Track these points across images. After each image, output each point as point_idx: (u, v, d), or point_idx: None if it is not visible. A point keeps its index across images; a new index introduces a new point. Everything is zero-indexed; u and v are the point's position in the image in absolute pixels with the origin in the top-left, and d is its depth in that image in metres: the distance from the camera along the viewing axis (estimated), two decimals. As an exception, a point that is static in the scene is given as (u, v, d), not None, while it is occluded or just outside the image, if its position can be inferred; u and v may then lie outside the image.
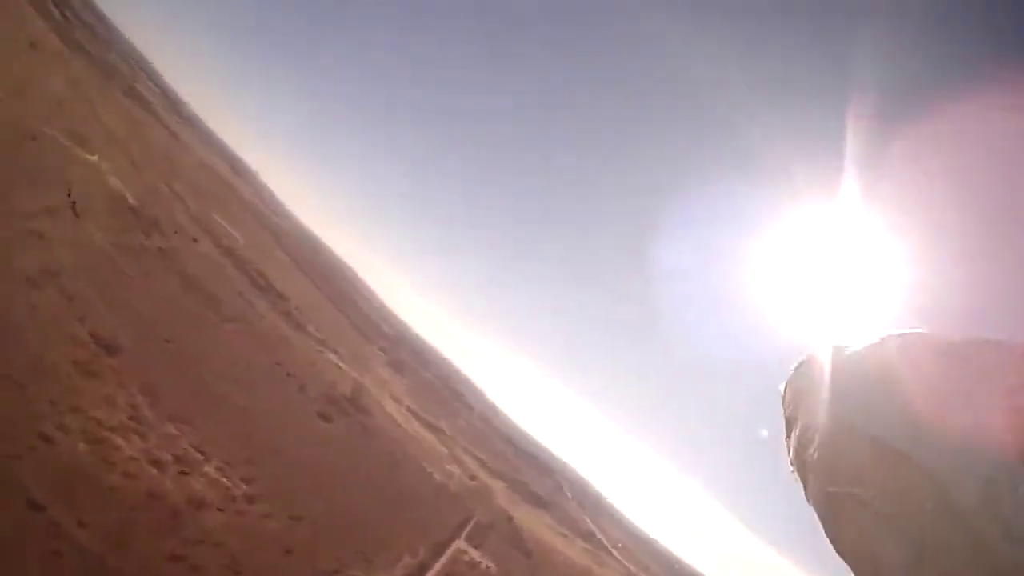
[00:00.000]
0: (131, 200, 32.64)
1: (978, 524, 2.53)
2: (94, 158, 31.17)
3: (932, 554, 2.64)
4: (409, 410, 42.41)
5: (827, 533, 3.13)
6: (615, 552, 50.11)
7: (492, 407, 69.60)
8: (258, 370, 26.96)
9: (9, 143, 22.22)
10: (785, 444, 3.50)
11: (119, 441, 15.84)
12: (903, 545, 2.74)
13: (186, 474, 16.57)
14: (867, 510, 2.87)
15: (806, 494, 3.28)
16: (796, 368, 3.57)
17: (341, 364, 38.22)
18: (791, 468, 3.42)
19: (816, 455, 3.20)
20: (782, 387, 3.65)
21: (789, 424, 3.50)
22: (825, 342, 3.47)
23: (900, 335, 3.22)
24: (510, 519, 34.77)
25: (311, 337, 39.84)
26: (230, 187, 63.35)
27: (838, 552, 3.10)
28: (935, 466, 2.64)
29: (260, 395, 24.04)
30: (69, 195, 24.98)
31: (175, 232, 35.24)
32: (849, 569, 2.99)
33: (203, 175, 55.75)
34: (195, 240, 39.09)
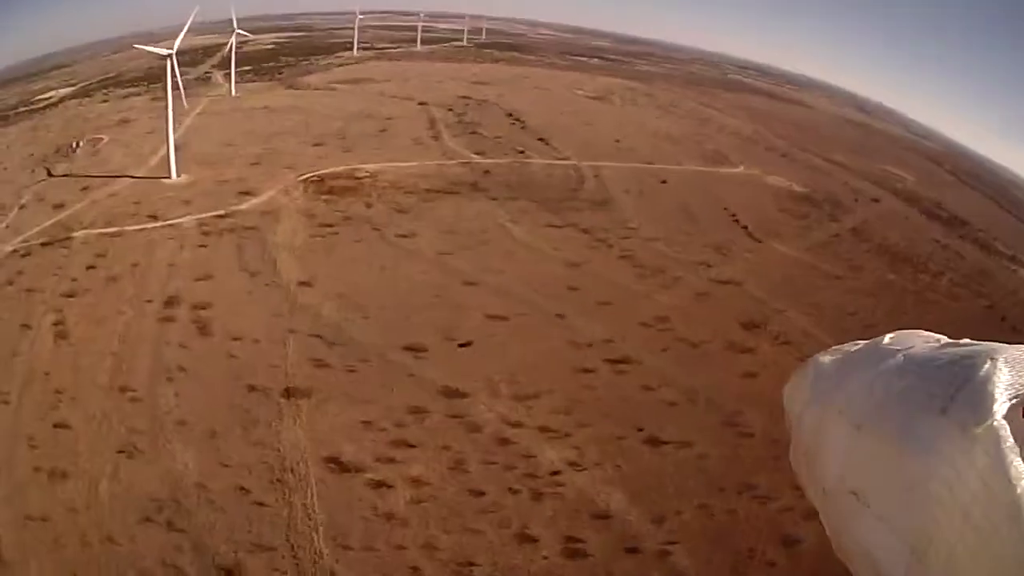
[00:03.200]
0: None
1: (981, 515, 2.52)
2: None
3: (933, 549, 2.63)
4: None
5: (828, 532, 3.22)
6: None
7: None
8: None
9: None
10: (791, 445, 3.65)
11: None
12: (904, 542, 2.73)
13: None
14: (866, 508, 2.92)
15: (808, 494, 3.41)
16: (797, 372, 3.73)
17: None
18: (795, 469, 3.59)
19: (815, 455, 3.29)
20: (785, 391, 3.80)
21: (792, 426, 3.66)
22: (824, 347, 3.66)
23: (895, 335, 3.40)
24: None
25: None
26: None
27: (838, 551, 3.18)
28: (934, 462, 2.63)
29: None
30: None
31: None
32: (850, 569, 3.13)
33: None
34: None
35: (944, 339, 3.25)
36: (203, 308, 38.72)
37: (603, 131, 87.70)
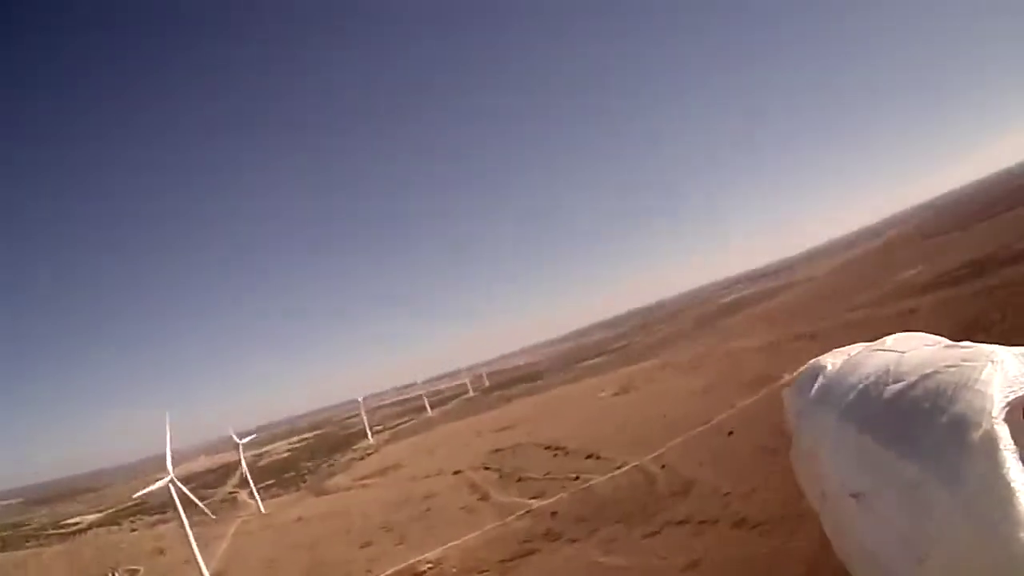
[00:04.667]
0: None
1: (980, 517, 2.82)
2: None
3: (934, 551, 3.05)
4: None
5: (829, 534, 4.26)
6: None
7: None
8: None
9: None
10: (791, 448, 4.75)
11: None
12: (904, 544, 3.31)
13: None
14: (867, 511, 3.60)
15: (809, 496, 4.63)
16: (799, 373, 4.87)
17: None
18: (795, 471, 5.24)
19: (816, 458, 4.45)
20: (786, 393, 5.31)
21: (792, 428, 5.10)
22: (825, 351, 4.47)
23: (896, 337, 4.82)
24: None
25: None
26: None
27: (839, 552, 4.15)
28: (934, 465, 3.07)
29: None
30: None
31: None
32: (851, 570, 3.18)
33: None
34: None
35: (945, 341, 4.65)
36: None
37: (644, 418, 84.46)
